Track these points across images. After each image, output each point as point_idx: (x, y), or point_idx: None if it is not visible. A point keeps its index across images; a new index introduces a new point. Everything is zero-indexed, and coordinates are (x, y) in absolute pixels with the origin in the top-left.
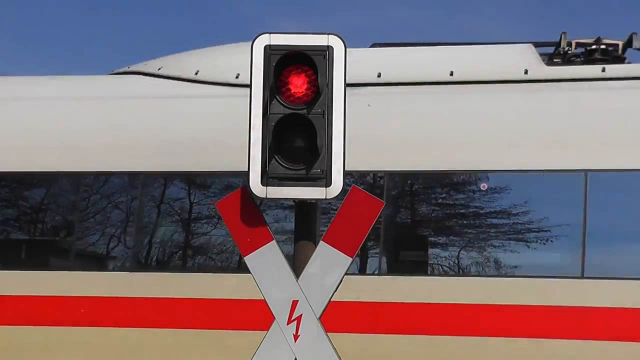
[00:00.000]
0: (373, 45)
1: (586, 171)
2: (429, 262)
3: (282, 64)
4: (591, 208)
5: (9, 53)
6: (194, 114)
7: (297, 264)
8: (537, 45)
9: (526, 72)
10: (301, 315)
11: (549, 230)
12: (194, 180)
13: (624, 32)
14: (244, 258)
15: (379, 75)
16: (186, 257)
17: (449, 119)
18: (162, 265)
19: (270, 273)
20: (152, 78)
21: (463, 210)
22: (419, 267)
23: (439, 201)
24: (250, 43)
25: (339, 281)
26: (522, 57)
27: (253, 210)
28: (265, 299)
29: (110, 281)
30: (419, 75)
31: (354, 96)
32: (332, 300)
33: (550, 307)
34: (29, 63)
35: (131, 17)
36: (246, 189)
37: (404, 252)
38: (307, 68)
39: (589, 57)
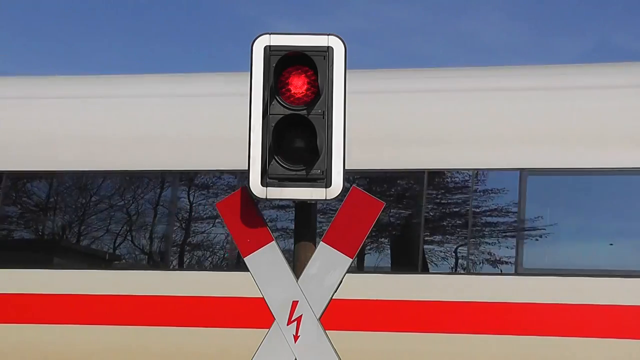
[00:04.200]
0: None
1: None
2: None
3: (282, 65)
4: None
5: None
6: None
7: (297, 264)
8: None
9: None
10: (301, 315)
11: None
12: None
13: (624, 31)
14: (244, 259)
15: None
16: None
17: None
18: None
19: (270, 274)
20: None
21: None
22: None
23: None
24: None
25: (339, 282)
26: None
27: (253, 211)
28: (265, 300)
29: None
30: None
31: None
32: None
33: None
34: (29, 60)
35: (130, 17)
36: (246, 189)
37: None
38: (307, 69)
39: None
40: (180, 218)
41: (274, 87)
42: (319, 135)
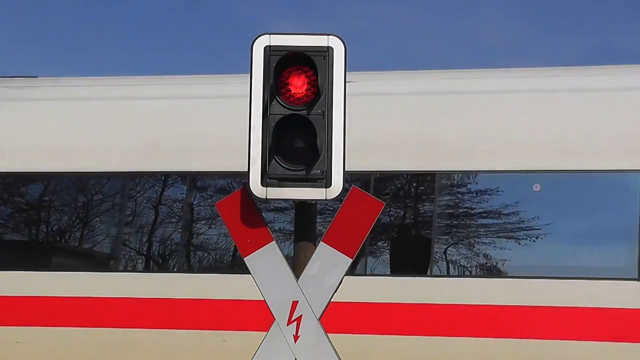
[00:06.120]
0: None
1: None
2: None
3: (282, 65)
4: None
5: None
6: None
7: (297, 264)
8: None
9: None
10: (301, 316)
11: None
12: None
13: (624, 31)
14: (244, 259)
15: None
16: None
17: None
18: None
19: (270, 274)
20: None
21: None
22: None
23: None
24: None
25: (339, 282)
26: None
27: (253, 211)
28: (265, 300)
29: None
30: None
31: None
32: None
33: None
34: (28, 60)
35: (129, 18)
36: (246, 189)
37: None
38: (307, 69)
39: None
40: None
41: (274, 87)
42: (319, 135)
